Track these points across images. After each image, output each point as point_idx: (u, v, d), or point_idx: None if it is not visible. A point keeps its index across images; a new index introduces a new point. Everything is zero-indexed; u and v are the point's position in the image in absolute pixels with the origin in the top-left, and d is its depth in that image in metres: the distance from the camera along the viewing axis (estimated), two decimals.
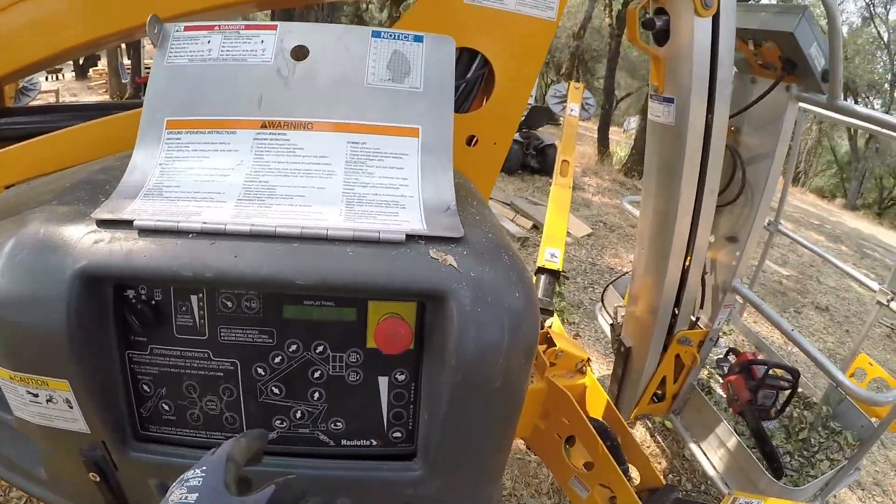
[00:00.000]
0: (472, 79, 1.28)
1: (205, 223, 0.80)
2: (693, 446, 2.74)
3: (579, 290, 5.65)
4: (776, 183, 2.48)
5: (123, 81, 12.83)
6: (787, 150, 2.46)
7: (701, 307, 2.59)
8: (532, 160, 9.83)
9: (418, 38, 1.05)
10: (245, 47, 1.02)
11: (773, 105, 2.35)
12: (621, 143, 16.07)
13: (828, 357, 4.70)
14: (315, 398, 0.90)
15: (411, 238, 0.82)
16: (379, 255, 0.79)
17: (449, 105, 1.02)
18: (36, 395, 0.84)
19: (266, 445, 0.83)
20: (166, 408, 0.90)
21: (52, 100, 10.81)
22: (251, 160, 0.94)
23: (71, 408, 0.84)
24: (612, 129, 13.64)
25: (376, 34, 1.04)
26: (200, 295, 0.84)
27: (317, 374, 0.88)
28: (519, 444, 2.64)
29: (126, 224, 0.81)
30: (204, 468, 0.71)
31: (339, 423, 0.92)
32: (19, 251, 0.80)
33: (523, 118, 9.39)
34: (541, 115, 10.62)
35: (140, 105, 1.33)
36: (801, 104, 2.40)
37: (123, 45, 13.00)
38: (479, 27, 1.23)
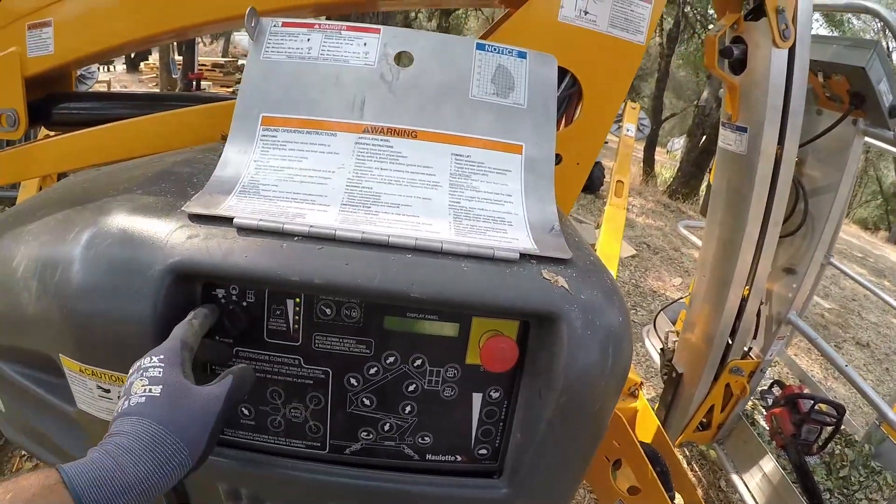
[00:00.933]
0: (561, 97, 1.28)
1: (312, 227, 0.78)
2: (735, 477, 2.70)
3: None
4: (839, 216, 2.45)
5: (174, 77, 13.01)
6: (851, 183, 2.43)
7: (754, 337, 2.55)
8: None
9: (522, 55, 1.04)
10: (347, 48, 1.01)
11: (838, 138, 2.34)
12: (665, 164, 15.94)
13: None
14: (406, 412, 0.88)
15: (523, 257, 0.81)
16: (494, 272, 0.78)
17: (551, 123, 1.01)
18: (107, 391, 0.82)
19: (214, 320, 0.82)
20: (245, 412, 0.88)
21: (103, 90, 11.01)
22: (353, 164, 0.93)
23: None
24: (656, 150, 13.52)
25: (480, 46, 1.03)
26: (297, 300, 0.82)
27: (411, 388, 0.87)
28: None
29: (222, 221, 0.79)
30: (161, 357, 0.70)
31: (426, 438, 0.90)
32: (102, 240, 0.78)
33: None
34: None
35: (218, 99, 1.35)
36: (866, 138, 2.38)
37: (175, 42, 13.22)
38: (571, 46, 1.22)
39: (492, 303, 0.77)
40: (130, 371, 0.70)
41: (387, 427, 0.89)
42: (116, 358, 0.79)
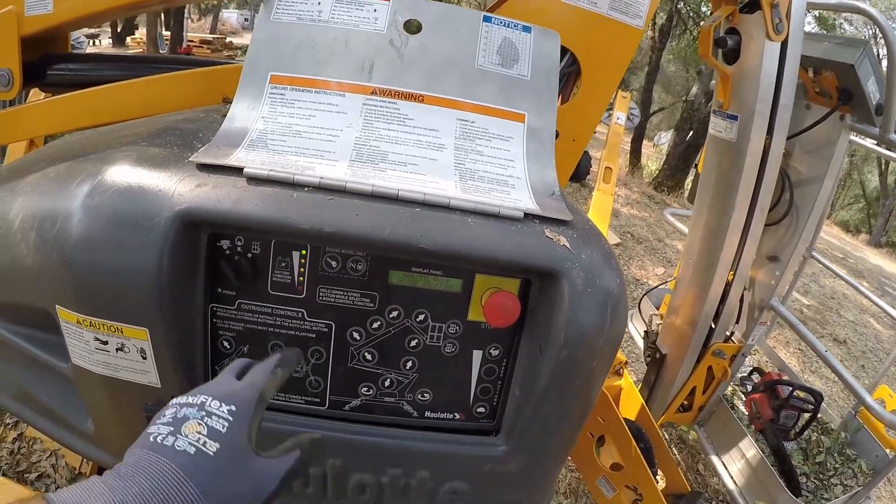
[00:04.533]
0: (560, 75, 1.30)
1: (322, 178, 0.79)
2: (714, 458, 2.76)
3: None
4: (823, 207, 2.50)
5: (161, 51, 12.88)
6: (836, 176, 2.48)
7: (736, 322, 2.61)
8: None
9: (526, 29, 1.06)
10: (357, 14, 1.02)
11: (825, 132, 2.38)
12: (651, 156, 15.97)
13: (842, 390, 4.73)
14: (407, 367, 0.90)
15: (527, 216, 0.83)
16: (500, 228, 0.80)
17: (553, 96, 1.03)
18: (105, 343, 0.81)
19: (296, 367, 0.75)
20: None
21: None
22: (360, 124, 0.94)
23: (144, 359, 0.82)
24: (643, 143, 13.54)
25: (487, 19, 1.05)
26: (303, 252, 0.83)
27: (413, 343, 0.89)
28: None
29: (231, 171, 0.80)
30: (232, 408, 0.61)
31: (426, 395, 0.92)
32: (105, 189, 0.77)
33: None
34: None
35: (220, 63, 1.35)
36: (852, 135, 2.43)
37: (163, 16, 13.10)
38: (572, 26, 1.24)
39: (497, 257, 0.79)
40: (187, 398, 0.62)
41: (387, 383, 0.91)
42: (117, 308, 0.78)
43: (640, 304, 3.14)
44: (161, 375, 0.84)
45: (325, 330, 0.88)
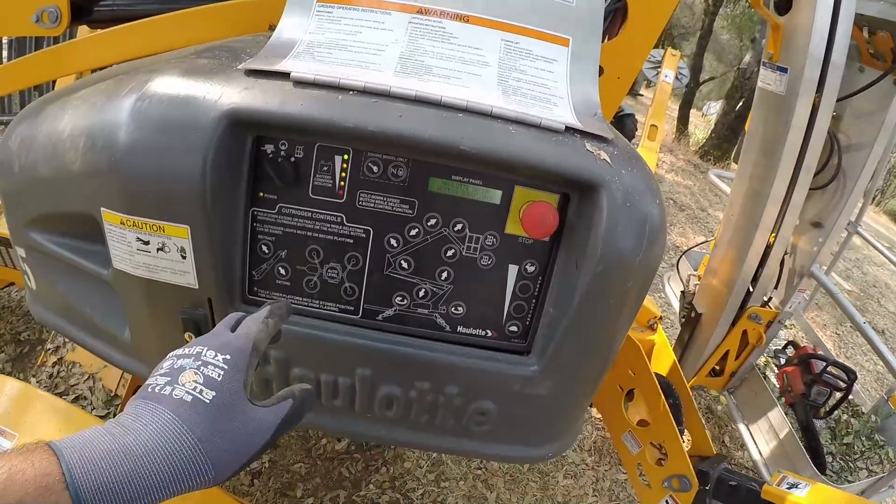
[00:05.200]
0: (607, 10, 1.28)
1: (367, 83, 0.81)
2: (742, 426, 2.74)
3: None
4: (871, 175, 2.43)
5: None
6: (886, 143, 2.41)
7: (775, 288, 2.57)
8: None
9: None
10: None
11: (878, 96, 2.31)
12: (699, 125, 15.50)
13: (875, 379, 4.61)
14: (442, 278, 0.91)
15: (568, 130, 0.83)
16: (541, 137, 0.81)
17: (598, 24, 1.02)
18: (147, 243, 0.84)
19: (287, 318, 0.77)
20: (282, 272, 0.91)
21: None
22: (406, 40, 0.94)
23: (184, 258, 0.84)
24: (691, 111, 13.12)
25: None
26: (346, 157, 0.84)
27: (450, 253, 0.89)
28: None
29: (278, 76, 0.81)
30: (228, 357, 0.63)
31: (459, 308, 0.93)
32: (155, 92, 0.79)
33: None
34: None
35: None
36: None
37: None
38: None
39: (537, 164, 0.79)
40: (185, 350, 0.64)
41: (421, 293, 0.93)
42: (160, 205, 0.81)
43: (678, 263, 3.12)
44: (199, 276, 0.87)
45: (363, 235, 0.89)
